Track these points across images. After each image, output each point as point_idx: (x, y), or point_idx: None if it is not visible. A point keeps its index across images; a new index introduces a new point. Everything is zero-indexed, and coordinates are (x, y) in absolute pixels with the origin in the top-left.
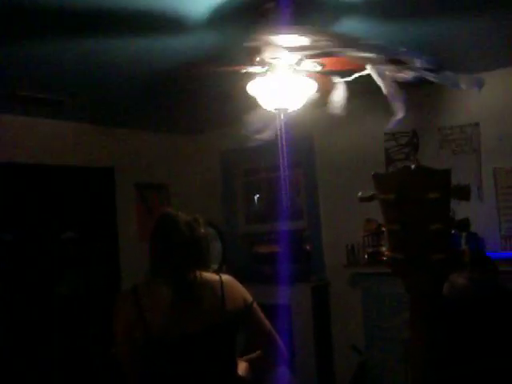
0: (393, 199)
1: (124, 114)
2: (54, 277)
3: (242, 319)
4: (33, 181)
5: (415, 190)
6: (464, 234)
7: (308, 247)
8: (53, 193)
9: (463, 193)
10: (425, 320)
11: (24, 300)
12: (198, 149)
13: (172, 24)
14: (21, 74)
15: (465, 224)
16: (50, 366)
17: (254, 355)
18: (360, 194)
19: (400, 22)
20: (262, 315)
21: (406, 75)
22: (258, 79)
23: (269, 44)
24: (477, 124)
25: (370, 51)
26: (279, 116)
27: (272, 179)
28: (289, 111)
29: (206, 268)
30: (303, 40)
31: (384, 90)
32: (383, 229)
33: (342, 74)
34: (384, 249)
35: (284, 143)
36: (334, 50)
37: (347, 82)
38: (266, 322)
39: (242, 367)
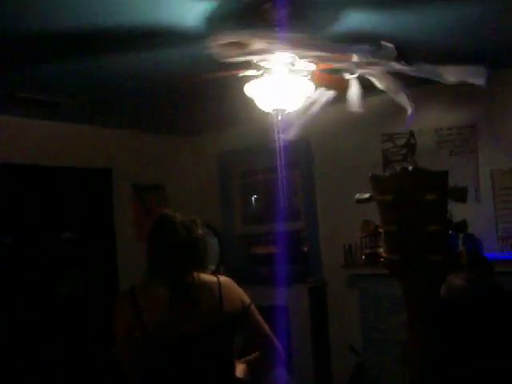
0: (390, 201)
1: (121, 116)
2: (53, 277)
3: (240, 321)
4: (30, 182)
5: (413, 192)
6: (461, 236)
7: (305, 248)
8: (51, 194)
9: (460, 194)
10: (422, 321)
11: (24, 300)
12: (196, 150)
13: (170, 35)
14: (19, 75)
15: (462, 226)
16: (50, 366)
17: (251, 357)
18: (357, 195)
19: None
20: (259, 317)
21: (380, 69)
22: (255, 81)
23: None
24: (473, 125)
25: (320, 50)
26: (276, 117)
27: (269, 180)
28: (286, 112)
29: (204, 269)
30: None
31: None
32: (381, 230)
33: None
34: (381, 250)
35: (281, 144)
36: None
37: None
38: (264, 324)
39: (240, 369)
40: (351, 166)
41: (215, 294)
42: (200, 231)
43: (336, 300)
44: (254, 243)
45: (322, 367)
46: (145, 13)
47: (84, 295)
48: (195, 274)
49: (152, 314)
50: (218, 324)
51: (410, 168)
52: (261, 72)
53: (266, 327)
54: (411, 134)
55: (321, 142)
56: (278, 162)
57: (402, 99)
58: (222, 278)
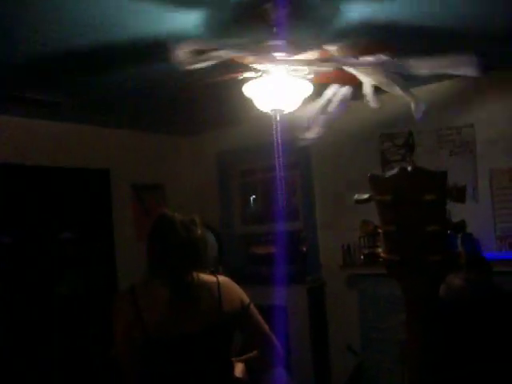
0: (389, 201)
1: (121, 116)
2: (53, 277)
3: (239, 320)
4: (29, 182)
5: (412, 192)
6: (460, 235)
7: (304, 248)
8: (50, 194)
9: (459, 195)
10: (421, 322)
11: (24, 300)
12: (195, 150)
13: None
14: (18, 75)
15: (461, 226)
16: (50, 366)
17: (250, 355)
18: (356, 196)
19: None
20: (259, 316)
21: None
22: (253, 81)
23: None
24: (472, 125)
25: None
26: (275, 117)
27: (268, 180)
28: (285, 112)
29: (203, 269)
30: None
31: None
32: (380, 230)
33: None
34: (380, 250)
35: (280, 144)
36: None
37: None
38: (263, 324)
39: (238, 368)
40: (350, 165)
41: (214, 294)
42: (200, 231)
43: (335, 300)
44: (253, 243)
45: (320, 367)
46: (149, 25)
47: (83, 295)
48: (195, 274)
49: (152, 313)
50: (217, 323)
51: (409, 168)
52: (260, 73)
53: (266, 326)
54: (410, 133)
55: (320, 141)
56: (277, 161)
57: (408, 95)
58: (222, 278)
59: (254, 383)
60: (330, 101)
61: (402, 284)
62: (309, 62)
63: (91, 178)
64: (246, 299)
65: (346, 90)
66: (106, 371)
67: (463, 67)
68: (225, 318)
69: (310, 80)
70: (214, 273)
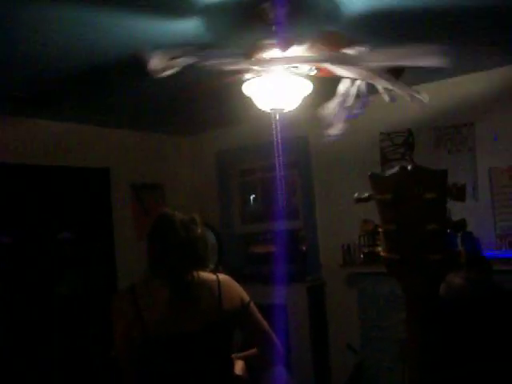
0: (389, 199)
1: (121, 116)
2: (53, 277)
3: (239, 319)
4: (29, 182)
5: (412, 191)
6: (460, 234)
7: (304, 247)
8: (49, 193)
9: (459, 193)
10: (421, 321)
11: (24, 300)
12: (194, 149)
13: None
14: (16, 74)
15: (461, 224)
16: (50, 366)
17: (249, 352)
18: (356, 194)
19: None
20: (259, 315)
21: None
22: (253, 80)
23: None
24: (472, 124)
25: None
26: (274, 116)
27: (268, 179)
28: (284, 111)
29: (204, 268)
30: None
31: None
32: (380, 229)
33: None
34: (379, 249)
35: (279, 143)
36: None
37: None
38: (263, 322)
39: (238, 366)
40: (349, 164)
41: (215, 293)
42: (200, 230)
43: (334, 299)
44: (253, 242)
45: (320, 366)
46: (148, 27)
47: (83, 295)
48: (195, 273)
49: (152, 312)
50: (217, 322)
51: (409, 167)
52: (259, 73)
53: (266, 325)
54: (409, 132)
55: (319, 140)
56: (277, 161)
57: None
58: (222, 277)
59: (254, 381)
60: (346, 95)
61: (401, 283)
62: (307, 60)
63: (91, 177)
64: (246, 297)
65: (360, 84)
66: (106, 371)
67: (429, 57)
68: (225, 317)
69: (313, 76)
70: (214, 271)
